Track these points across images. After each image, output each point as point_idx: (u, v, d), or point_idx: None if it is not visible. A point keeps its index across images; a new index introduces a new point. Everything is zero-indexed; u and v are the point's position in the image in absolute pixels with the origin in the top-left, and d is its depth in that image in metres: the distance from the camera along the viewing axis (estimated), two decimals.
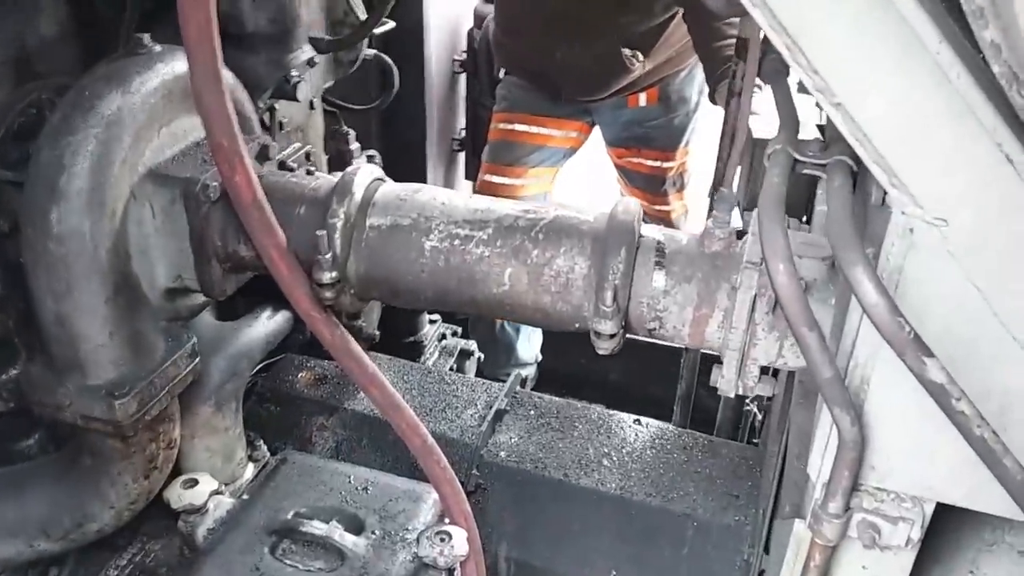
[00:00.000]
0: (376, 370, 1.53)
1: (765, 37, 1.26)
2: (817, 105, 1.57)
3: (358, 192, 1.48)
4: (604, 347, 1.41)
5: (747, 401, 2.90)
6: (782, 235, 0.88)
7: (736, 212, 1.59)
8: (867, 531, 1.01)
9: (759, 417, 2.82)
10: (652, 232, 1.43)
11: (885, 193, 0.92)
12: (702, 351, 2.63)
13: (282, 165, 1.73)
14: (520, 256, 1.42)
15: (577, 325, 1.45)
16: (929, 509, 1.01)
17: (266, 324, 1.97)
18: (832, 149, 1.01)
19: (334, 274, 1.43)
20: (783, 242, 0.88)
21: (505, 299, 1.45)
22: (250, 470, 2.00)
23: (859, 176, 0.98)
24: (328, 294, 1.45)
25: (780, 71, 1.24)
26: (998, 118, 0.72)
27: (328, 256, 1.42)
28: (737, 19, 2.69)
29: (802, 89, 1.41)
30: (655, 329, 1.42)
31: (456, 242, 1.44)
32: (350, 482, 1.91)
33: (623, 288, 1.36)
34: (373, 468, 2.18)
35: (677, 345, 1.48)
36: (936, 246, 0.83)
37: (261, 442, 2.09)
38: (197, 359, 1.62)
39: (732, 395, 1.40)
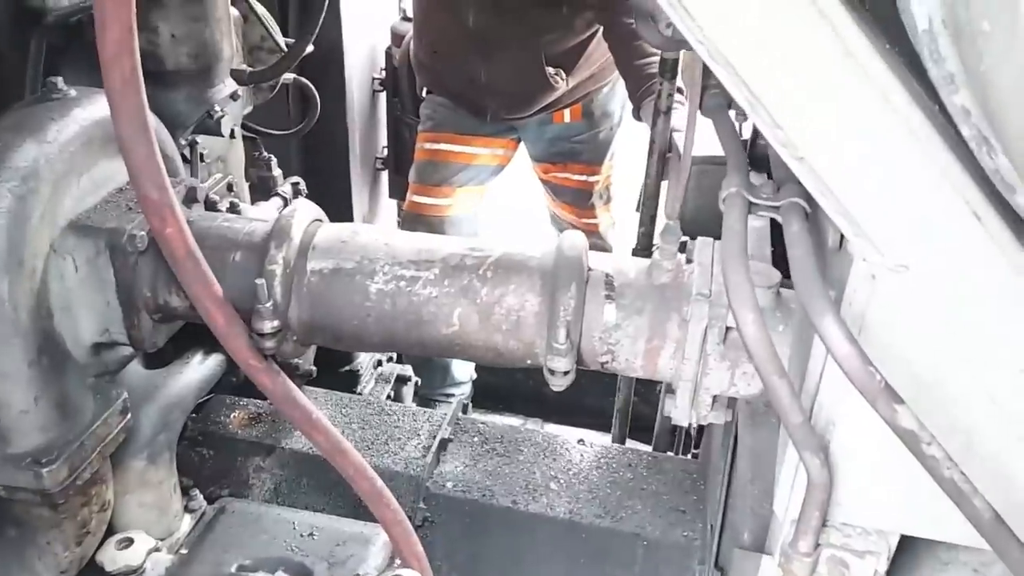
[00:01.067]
0: (320, 415, 1.49)
1: (706, 69, 1.26)
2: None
3: (296, 236, 1.43)
4: (558, 384, 1.40)
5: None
6: (748, 285, 0.89)
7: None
8: (836, 567, 1.02)
9: (694, 426, 2.87)
10: (600, 265, 1.42)
11: (841, 237, 0.93)
12: None
13: (207, 202, 1.66)
14: (469, 295, 1.39)
15: (529, 362, 1.44)
16: (894, 541, 1.03)
17: (198, 369, 1.88)
18: (784, 191, 1.02)
19: (275, 323, 1.38)
20: (750, 292, 0.88)
21: (455, 339, 1.42)
22: (187, 522, 1.91)
23: (812, 217, 0.99)
24: (269, 343, 1.39)
25: (722, 106, 1.25)
26: (966, 176, 0.73)
27: (268, 305, 1.37)
28: None
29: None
30: (607, 362, 1.41)
31: (402, 283, 1.40)
32: (294, 528, 1.84)
33: (575, 324, 1.35)
34: (315, 508, 2.12)
35: (629, 376, 1.48)
36: (898, 292, 0.84)
37: (197, 491, 2.00)
38: (129, 415, 1.54)
39: (686, 424, 1.41)
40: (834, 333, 0.80)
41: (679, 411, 1.39)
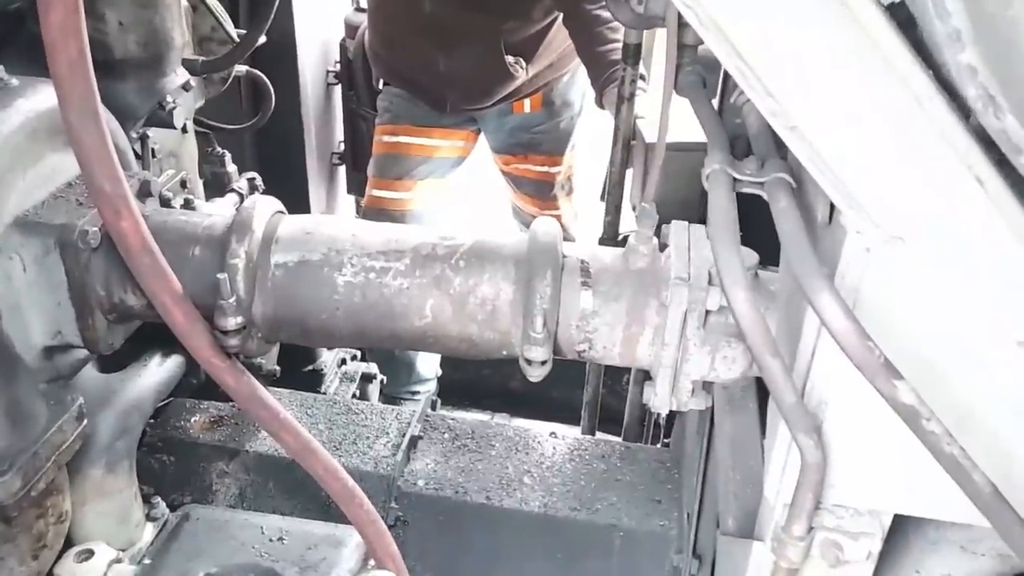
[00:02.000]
0: (287, 415, 1.43)
1: (680, 47, 1.24)
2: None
3: (258, 228, 1.37)
4: (536, 374, 1.36)
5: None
6: (740, 263, 0.86)
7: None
8: (830, 549, 1.00)
9: (662, 415, 2.86)
10: (575, 251, 1.39)
11: (831, 211, 0.91)
12: None
13: (160, 199, 1.59)
14: (442, 286, 1.35)
15: (505, 352, 1.40)
16: (887, 521, 1.01)
17: (156, 372, 1.81)
18: (768, 166, 0.99)
19: (239, 320, 1.32)
20: (741, 270, 0.85)
21: (428, 331, 1.37)
22: (149, 531, 1.83)
23: (797, 193, 0.96)
24: (233, 341, 1.33)
25: (696, 83, 1.22)
26: (970, 140, 0.71)
27: (231, 300, 1.31)
28: (620, 24, 2.71)
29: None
30: (585, 351, 1.38)
31: (372, 275, 1.35)
32: (263, 533, 1.78)
33: (552, 312, 1.32)
34: (283, 512, 2.06)
35: (607, 364, 1.45)
36: (893, 265, 0.82)
37: (158, 499, 1.92)
38: (84, 421, 1.46)
39: (666, 412, 1.38)
40: (831, 309, 0.77)
41: (659, 399, 1.36)
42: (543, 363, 1.35)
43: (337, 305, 1.36)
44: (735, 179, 0.99)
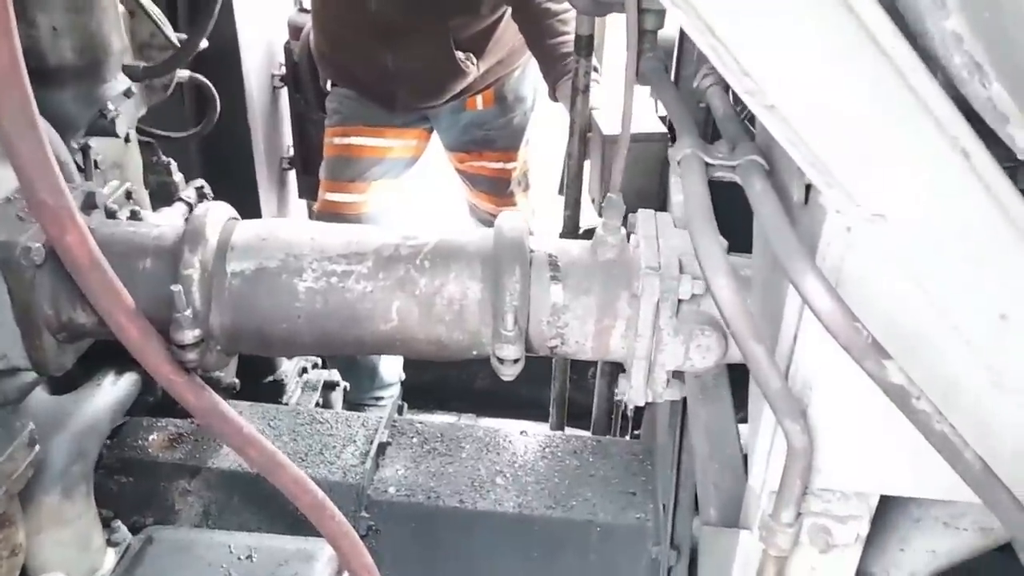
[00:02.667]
0: (251, 429, 1.38)
1: (642, 34, 1.22)
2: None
3: (212, 236, 1.32)
4: (508, 373, 1.33)
5: (615, 392, 2.92)
6: (720, 248, 0.84)
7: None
8: (819, 534, 0.99)
9: (630, 407, 2.85)
10: (541, 245, 1.36)
11: (807, 191, 0.89)
12: None
13: (106, 211, 1.52)
14: (407, 287, 1.31)
15: (475, 352, 1.36)
16: (874, 503, 1.01)
17: (111, 391, 1.74)
18: (740, 149, 0.97)
19: (196, 332, 1.26)
20: (722, 255, 0.83)
21: (395, 335, 1.33)
22: (111, 557, 1.76)
23: (771, 175, 0.95)
24: (191, 355, 1.28)
25: (659, 69, 1.20)
26: (955, 112, 0.69)
27: (187, 313, 1.25)
28: (571, 16, 2.69)
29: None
30: (557, 346, 1.36)
31: (334, 279, 1.31)
32: (231, 552, 1.73)
33: (522, 308, 1.28)
34: (250, 528, 2.00)
35: (580, 359, 1.42)
36: (874, 243, 0.80)
37: (119, 522, 1.85)
38: (36, 447, 1.39)
39: (642, 403, 1.36)
40: (817, 291, 0.76)
41: (634, 391, 1.34)
42: (515, 361, 1.31)
43: (298, 312, 1.31)
44: (707, 164, 0.97)
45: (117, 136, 1.75)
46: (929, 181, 0.75)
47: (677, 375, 1.35)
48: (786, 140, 0.76)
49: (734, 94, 1.30)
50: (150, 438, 2.18)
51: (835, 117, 0.74)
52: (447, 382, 3.87)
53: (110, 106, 1.69)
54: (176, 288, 1.24)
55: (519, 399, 3.72)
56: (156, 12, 2.29)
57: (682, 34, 2.10)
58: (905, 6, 0.67)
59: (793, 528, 0.97)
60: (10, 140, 0.98)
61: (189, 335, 1.26)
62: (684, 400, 1.77)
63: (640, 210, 1.39)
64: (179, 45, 2.22)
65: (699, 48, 0.72)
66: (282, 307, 1.31)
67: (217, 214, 1.35)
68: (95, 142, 1.89)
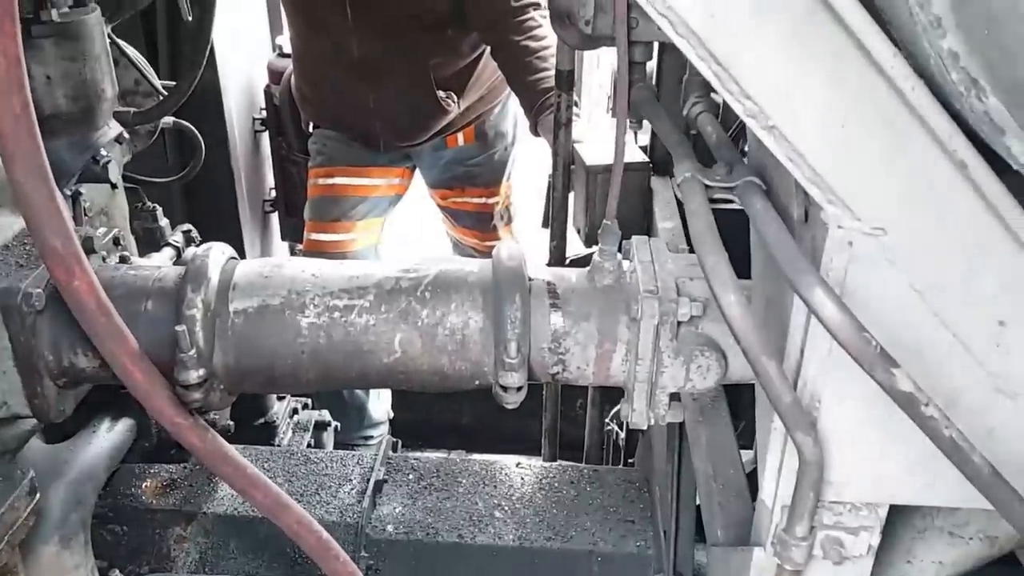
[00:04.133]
0: (255, 470, 1.38)
1: (632, 66, 1.25)
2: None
3: (214, 275, 1.32)
4: (511, 401, 1.34)
5: (607, 421, 2.94)
6: (727, 266, 0.86)
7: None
8: (832, 547, 1.00)
9: (621, 436, 2.87)
10: (540, 274, 1.38)
11: (806, 209, 0.92)
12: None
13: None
14: (409, 319, 1.32)
15: (478, 382, 1.37)
16: (883, 513, 1.02)
17: (107, 437, 1.72)
18: (737, 171, 1.00)
19: (201, 372, 1.27)
20: (730, 273, 0.86)
21: (398, 367, 1.34)
22: None
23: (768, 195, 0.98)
24: (196, 395, 1.28)
25: (650, 99, 1.23)
26: (953, 126, 0.73)
27: (192, 353, 1.25)
28: (550, 52, 2.75)
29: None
30: (558, 373, 1.37)
31: (336, 314, 1.32)
32: None
33: (524, 336, 1.30)
34: (248, 573, 1.98)
35: (580, 385, 1.44)
36: (876, 256, 0.83)
37: (115, 572, 1.82)
38: (37, 496, 1.38)
39: (645, 427, 1.37)
40: (825, 304, 0.78)
41: (636, 414, 1.35)
42: (519, 389, 1.33)
43: (302, 348, 1.32)
44: (707, 186, 1.00)
45: (110, 182, 1.75)
46: (927, 193, 0.78)
47: (676, 397, 1.37)
48: (787, 159, 0.79)
49: (723, 120, 1.34)
50: (143, 485, 2.15)
51: (834, 135, 0.77)
52: (434, 419, 3.86)
53: (103, 152, 1.70)
54: (180, 328, 1.24)
55: (507, 433, 3.72)
56: (141, 60, 2.31)
57: (660, 68, 2.16)
58: (901, 26, 0.70)
59: (807, 541, 0.98)
60: (23, 188, 0.99)
61: (193, 375, 1.26)
62: (681, 424, 1.79)
63: (635, 237, 1.42)
64: (164, 92, 2.24)
65: (688, 77, 0.75)
66: (286, 344, 1.31)
67: (218, 254, 1.36)
68: (84, 189, 1.90)
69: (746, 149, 1.45)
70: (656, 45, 1.57)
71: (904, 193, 0.79)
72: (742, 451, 1.54)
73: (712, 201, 1.03)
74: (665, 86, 2.10)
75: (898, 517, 1.17)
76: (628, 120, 1.48)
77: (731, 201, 1.05)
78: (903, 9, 0.66)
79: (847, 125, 0.76)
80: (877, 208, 0.80)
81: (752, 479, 1.32)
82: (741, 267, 1.24)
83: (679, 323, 1.27)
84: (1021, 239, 0.79)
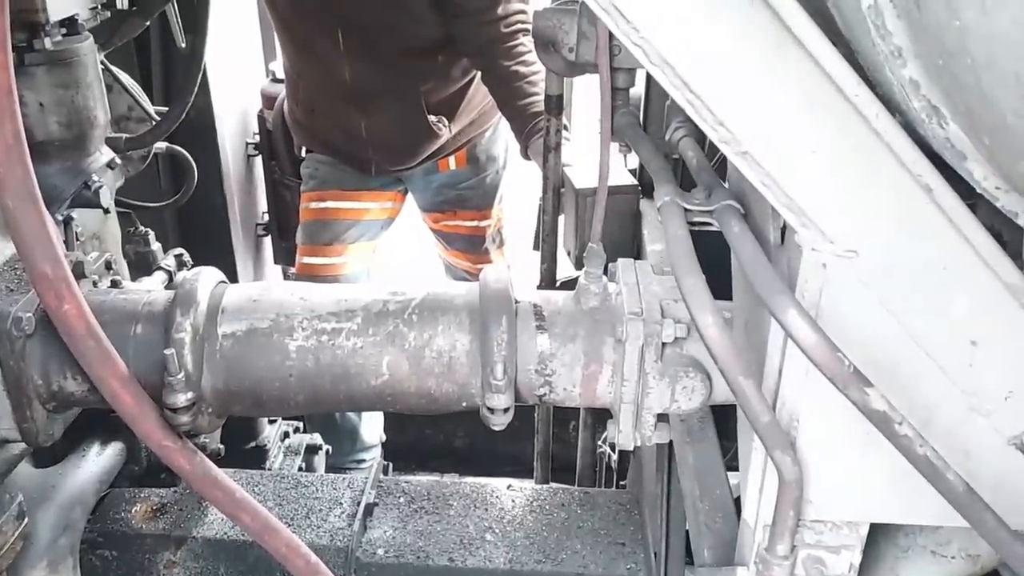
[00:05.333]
0: (244, 494, 1.38)
1: (615, 92, 1.28)
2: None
3: (203, 299, 1.34)
4: (499, 423, 1.35)
5: (599, 443, 2.94)
6: (704, 288, 0.88)
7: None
8: (814, 566, 1.01)
9: (614, 458, 2.87)
10: (526, 296, 1.40)
11: (782, 232, 0.94)
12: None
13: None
14: (397, 342, 1.33)
15: (465, 404, 1.38)
16: (864, 532, 1.03)
17: (96, 462, 1.72)
18: (715, 195, 1.02)
19: (190, 395, 1.28)
20: (706, 294, 0.87)
21: (386, 389, 1.35)
22: None
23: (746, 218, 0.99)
24: (184, 419, 1.29)
25: (633, 124, 1.26)
26: (917, 152, 0.75)
27: (180, 376, 1.26)
28: (539, 77, 2.78)
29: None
30: (545, 394, 1.38)
31: (324, 337, 1.33)
32: None
33: (510, 358, 1.31)
34: None
35: (568, 406, 1.45)
36: (849, 278, 0.85)
37: None
38: (25, 520, 1.38)
39: (632, 448, 1.38)
40: (799, 325, 0.80)
41: (623, 435, 1.36)
42: (506, 411, 1.34)
43: (290, 371, 1.33)
44: (686, 209, 1.02)
45: (102, 207, 1.77)
46: (896, 217, 0.80)
47: (663, 418, 1.38)
48: (760, 184, 0.81)
49: (708, 144, 1.37)
50: (132, 509, 2.15)
51: (805, 161, 0.79)
52: (425, 441, 3.86)
53: (95, 178, 1.72)
54: (168, 352, 1.25)
55: (499, 456, 3.72)
56: (133, 86, 2.34)
57: (648, 93, 2.19)
58: (865, 55, 0.72)
59: (788, 561, 0.99)
60: (13, 214, 1.01)
61: (182, 398, 1.27)
62: (669, 445, 1.80)
63: (620, 259, 1.44)
64: (157, 117, 2.27)
65: (671, 103, 0.77)
66: (274, 366, 1.32)
67: (208, 278, 1.37)
68: (76, 213, 1.91)
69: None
70: (640, 71, 1.60)
71: (874, 216, 0.81)
72: (730, 473, 1.55)
73: (695, 224, 1.05)
74: (652, 111, 2.13)
75: (882, 536, 1.18)
76: (618, 144, 1.51)
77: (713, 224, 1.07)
78: (867, 39, 0.69)
79: (818, 151, 0.78)
80: (849, 231, 0.82)
81: (740, 500, 1.33)
82: (724, 289, 1.26)
83: (664, 344, 1.29)
84: (988, 261, 0.81)
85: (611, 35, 1.25)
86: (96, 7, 1.74)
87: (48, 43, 1.59)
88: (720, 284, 1.27)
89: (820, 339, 0.79)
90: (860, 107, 0.73)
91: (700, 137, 1.40)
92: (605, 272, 1.42)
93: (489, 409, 1.34)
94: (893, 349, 0.88)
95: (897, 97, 0.71)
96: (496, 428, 1.37)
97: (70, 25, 1.66)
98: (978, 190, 0.75)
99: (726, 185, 1.15)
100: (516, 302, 1.37)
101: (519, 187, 3.63)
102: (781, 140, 0.78)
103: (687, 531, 1.80)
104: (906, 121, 0.74)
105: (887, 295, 0.85)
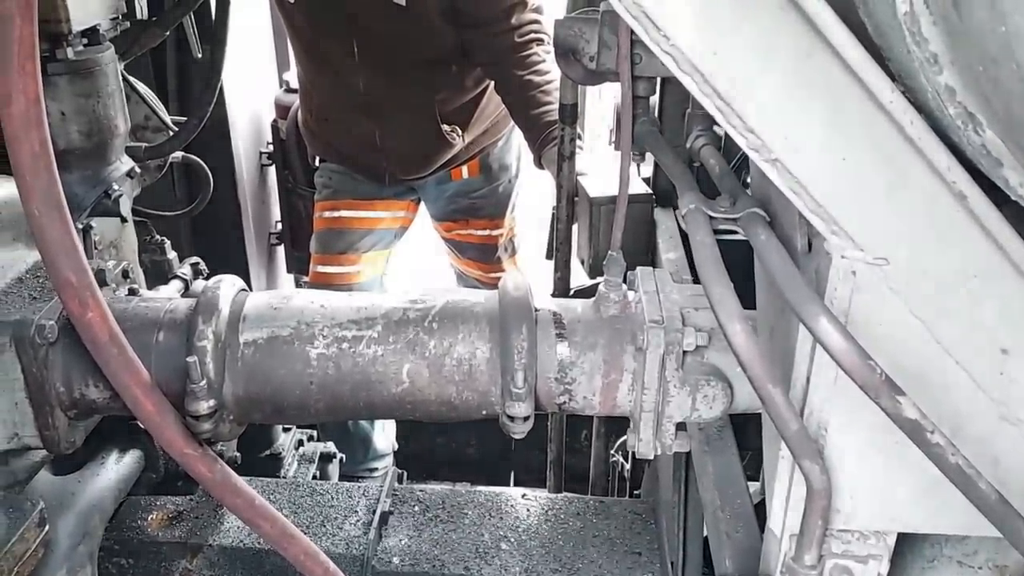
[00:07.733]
0: (263, 501, 1.38)
1: (635, 100, 1.28)
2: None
3: (224, 307, 1.34)
4: (519, 431, 1.35)
5: (612, 452, 2.94)
6: (732, 295, 0.87)
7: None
8: None
9: (626, 467, 2.86)
10: (546, 304, 1.39)
11: (809, 239, 0.94)
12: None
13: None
14: (417, 349, 1.33)
15: (485, 412, 1.38)
16: (892, 541, 1.02)
17: (115, 469, 1.73)
18: (740, 202, 1.02)
19: (211, 403, 1.28)
20: (734, 302, 0.87)
21: (406, 397, 1.35)
22: None
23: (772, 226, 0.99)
24: (206, 426, 1.29)
25: (654, 132, 1.26)
26: (951, 158, 0.75)
27: (202, 383, 1.27)
28: (553, 86, 2.79)
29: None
30: (565, 403, 1.38)
31: (345, 345, 1.33)
32: None
33: (530, 366, 1.31)
34: None
35: (587, 414, 1.44)
36: (879, 285, 0.85)
37: None
38: (46, 527, 1.38)
39: (652, 456, 1.38)
40: (829, 332, 0.79)
41: (643, 444, 1.36)
42: (526, 419, 1.33)
43: (311, 379, 1.33)
44: (711, 217, 1.01)
45: (121, 216, 1.78)
46: (927, 224, 0.79)
47: (682, 427, 1.38)
48: (790, 191, 0.81)
49: (725, 151, 1.37)
50: (149, 517, 2.15)
51: (836, 168, 0.79)
52: (438, 451, 3.85)
53: (115, 187, 1.73)
54: (191, 359, 1.26)
55: (510, 465, 3.71)
56: (151, 96, 2.35)
57: (663, 102, 2.19)
58: (899, 62, 0.72)
59: (816, 570, 0.98)
60: (39, 221, 1.01)
61: (204, 406, 1.27)
62: (687, 454, 1.79)
63: (639, 268, 1.44)
64: (173, 127, 2.28)
65: (691, 111, 0.77)
66: (295, 374, 1.32)
67: (229, 286, 1.37)
68: (95, 222, 1.92)
69: (748, 180, 1.47)
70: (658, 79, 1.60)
71: (905, 224, 0.80)
72: (749, 482, 1.55)
73: (716, 232, 1.05)
74: (667, 118, 2.13)
75: (908, 546, 1.17)
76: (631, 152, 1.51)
77: (735, 232, 1.07)
78: (901, 46, 0.68)
79: (848, 158, 0.78)
80: (879, 238, 0.82)
81: (759, 510, 1.32)
82: (746, 297, 1.26)
83: (685, 353, 1.28)
84: (1021, 268, 0.80)
85: (632, 43, 1.25)
86: (117, 17, 1.75)
87: (71, 53, 1.61)
88: (740, 292, 1.27)
89: (852, 347, 0.78)
90: (894, 113, 0.73)
91: (720, 145, 1.41)
92: (624, 280, 1.42)
93: (509, 417, 1.33)
94: (923, 357, 0.87)
95: (931, 103, 0.71)
96: (516, 436, 1.36)
97: (92, 35, 1.67)
98: (1013, 197, 0.75)
99: (751, 190, 1.15)
100: (536, 310, 1.36)
101: (531, 196, 3.64)
102: (812, 147, 0.78)
103: (705, 540, 1.79)
104: (938, 128, 0.74)
105: (917, 303, 0.85)
